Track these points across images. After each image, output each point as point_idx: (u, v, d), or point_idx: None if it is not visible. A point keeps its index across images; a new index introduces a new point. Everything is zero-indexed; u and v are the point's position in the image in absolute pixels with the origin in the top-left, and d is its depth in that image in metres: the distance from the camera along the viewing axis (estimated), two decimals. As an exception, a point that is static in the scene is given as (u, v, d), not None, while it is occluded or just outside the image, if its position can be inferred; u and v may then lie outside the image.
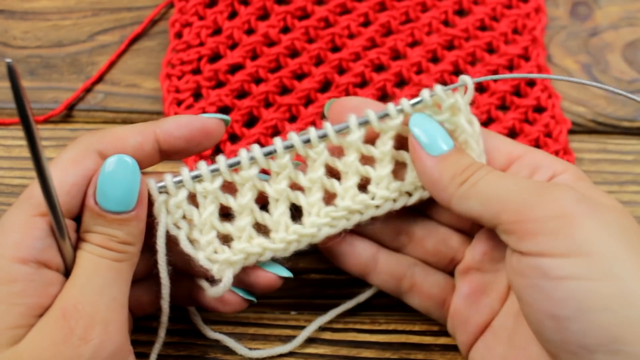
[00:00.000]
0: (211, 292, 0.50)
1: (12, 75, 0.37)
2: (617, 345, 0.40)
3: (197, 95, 0.65)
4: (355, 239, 0.53)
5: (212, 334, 0.56)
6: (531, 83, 0.65)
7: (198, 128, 0.49)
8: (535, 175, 0.49)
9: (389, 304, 0.58)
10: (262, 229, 0.51)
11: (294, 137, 0.50)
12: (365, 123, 0.50)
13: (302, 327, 0.57)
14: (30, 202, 0.45)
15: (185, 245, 0.49)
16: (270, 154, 0.50)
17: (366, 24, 0.68)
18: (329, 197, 0.52)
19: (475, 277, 0.51)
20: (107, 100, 0.66)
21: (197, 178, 0.49)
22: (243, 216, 0.50)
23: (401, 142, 0.51)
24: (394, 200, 0.52)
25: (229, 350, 0.56)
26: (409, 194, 0.52)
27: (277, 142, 0.50)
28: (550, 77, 0.53)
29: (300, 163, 0.51)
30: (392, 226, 0.54)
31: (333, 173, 0.52)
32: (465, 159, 0.48)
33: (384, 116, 0.50)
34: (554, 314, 0.42)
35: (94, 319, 0.43)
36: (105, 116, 0.66)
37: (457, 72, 0.65)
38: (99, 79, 0.67)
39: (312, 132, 0.50)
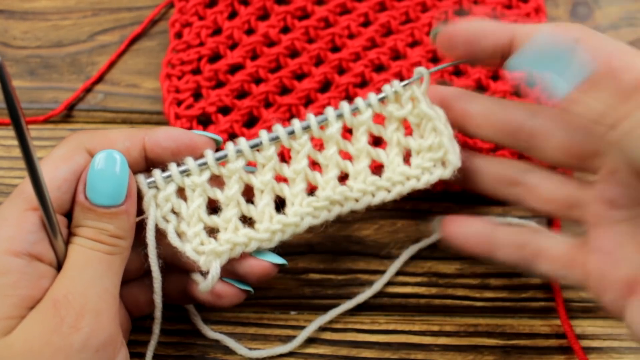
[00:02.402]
0: (202, 286, 0.50)
1: (1, 72, 0.37)
2: None
3: (197, 95, 0.65)
4: (469, 220, 0.54)
5: (212, 334, 0.56)
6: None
7: (186, 143, 0.50)
8: None
9: (389, 304, 0.58)
10: (247, 222, 0.52)
11: (279, 129, 0.52)
12: (341, 116, 0.53)
13: (302, 327, 0.57)
14: (22, 197, 0.46)
15: (172, 238, 0.49)
16: (256, 147, 0.51)
17: (366, 24, 0.68)
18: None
19: (609, 227, 0.48)
20: (107, 100, 0.66)
21: (186, 172, 0.50)
22: (229, 208, 0.51)
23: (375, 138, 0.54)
24: (372, 195, 0.53)
25: (229, 350, 0.56)
26: (388, 190, 0.53)
27: (263, 135, 0.51)
28: None
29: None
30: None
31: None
32: (602, 98, 0.43)
33: (355, 110, 0.53)
34: None
35: (84, 308, 0.43)
36: (105, 116, 0.66)
37: (457, 72, 0.66)
38: (99, 79, 0.67)
39: (296, 124, 0.52)
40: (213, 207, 0.51)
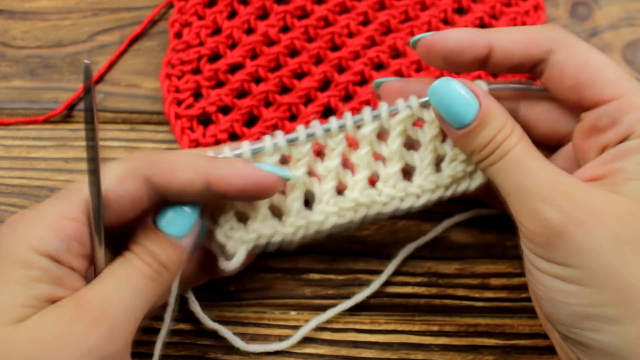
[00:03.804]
0: (225, 266, 0.52)
1: (87, 76, 0.40)
2: None
3: (197, 95, 0.65)
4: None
5: (210, 323, 0.56)
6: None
7: (254, 182, 0.49)
8: (607, 131, 0.48)
9: (389, 304, 0.58)
10: (275, 212, 0.53)
11: (316, 126, 0.52)
12: (378, 117, 0.52)
13: (302, 327, 0.57)
14: (67, 201, 0.46)
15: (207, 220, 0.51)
16: (293, 141, 0.52)
17: (365, 22, 0.68)
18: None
19: None
20: (107, 100, 0.66)
21: None
22: None
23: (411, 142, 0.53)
24: (401, 199, 0.53)
25: (229, 351, 0.56)
26: (417, 196, 0.53)
27: (300, 130, 0.52)
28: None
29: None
30: None
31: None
32: (481, 137, 0.48)
33: (395, 112, 0.52)
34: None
35: (103, 316, 0.43)
36: (105, 116, 0.66)
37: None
38: (99, 79, 0.67)
39: (333, 122, 0.52)
40: None
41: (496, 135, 0.48)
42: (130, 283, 0.46)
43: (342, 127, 0.52)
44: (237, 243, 0.52)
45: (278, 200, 0.52)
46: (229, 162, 0.49)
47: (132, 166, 0.47)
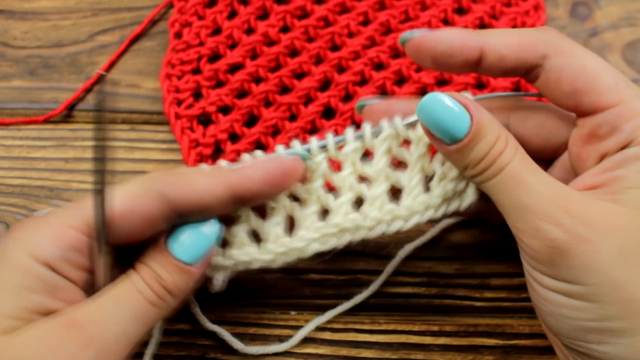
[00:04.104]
0: (210, 288, 0.51)
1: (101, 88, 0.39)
2: None
3: (197, 95, 0.65)
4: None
5: (209, 325, 0.56)
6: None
7: (277, 168, 0.48)
8: (607, 139, 0.46)
9: (389, 304, 0.58)
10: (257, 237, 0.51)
11: (296, 146, 0.50)
12: (360, 137, 0.50)
13: (302, 328, 0.57)
14: (74, 212, 0.44)
15: None
16: None
17: (365, 22, 0.68)
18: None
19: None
20: (107, 100, 0.66)
21: None
22: (239, 222, 0.50)
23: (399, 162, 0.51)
24: (388, 223, 0.50)
25: (229, 351, 0.56)
26: (406, 219, 0.51)
27: (280, 151, 0.50)
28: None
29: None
30: None
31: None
32: (475, 152, 0.46)
33: (378, 133, 0.50)
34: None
35: (94, 340, 0.42)
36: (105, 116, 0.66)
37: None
38: (99, 79, 0.67)
39: (313, 142, 0.50)
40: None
41: (491, 149, 0.46)
42: (129, 306, 0.44)
43: (322, 147, 0.50)
44: (215, 269, 0.50)
45: (257, 225, 0.50)
46: (246, 162, 0.48)
47: (149, 185, 0.45)
